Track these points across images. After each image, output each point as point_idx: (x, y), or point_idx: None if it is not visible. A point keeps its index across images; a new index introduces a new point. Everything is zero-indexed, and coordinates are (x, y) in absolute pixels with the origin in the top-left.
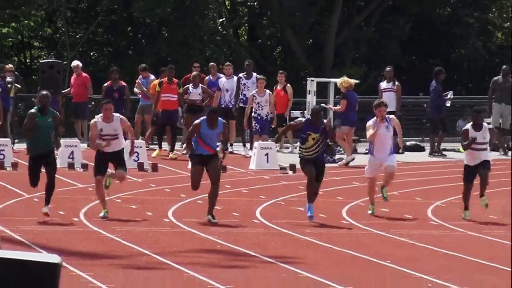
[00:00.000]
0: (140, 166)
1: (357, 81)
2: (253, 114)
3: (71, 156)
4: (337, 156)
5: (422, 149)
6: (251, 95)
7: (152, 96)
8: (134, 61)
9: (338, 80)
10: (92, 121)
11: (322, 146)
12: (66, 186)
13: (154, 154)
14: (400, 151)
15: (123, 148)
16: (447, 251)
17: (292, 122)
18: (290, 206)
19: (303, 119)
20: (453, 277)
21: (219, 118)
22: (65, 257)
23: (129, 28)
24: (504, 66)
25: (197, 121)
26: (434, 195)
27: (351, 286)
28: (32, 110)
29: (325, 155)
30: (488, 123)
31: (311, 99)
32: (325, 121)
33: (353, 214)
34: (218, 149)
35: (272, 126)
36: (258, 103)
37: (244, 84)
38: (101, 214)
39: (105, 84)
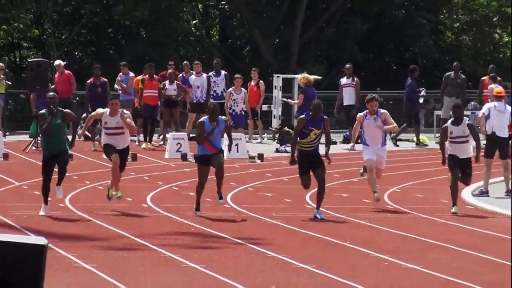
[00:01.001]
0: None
1: (319, 77)
2: (228, 110)
3: None
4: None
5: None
6: (228, 91)
7: (135, 91)
8: (114, 60)
9: (297, 76)
10: (100, 110)
11: (319, 139)
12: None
13: (144, 146)
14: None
15: (128, 147)
16: (403, 233)
17: (296, 125)
18: (258, 192)
19: (303, 116)
20: (407, 256)
21: (220, 116)
22: (52, 240)
23: (110, 29)
24: (455, 63)
25: (200, 120)
26: (390, 182)
27: (314, 265)
28: (41, 111)
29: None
30: (438, 115)
31: (277, 94)
32: (325, 116)
33: (315, 199)
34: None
35: (248, 121)
36: (235, 99)
37: (214, 81)
38: (118, 195)
39: (88, 81)
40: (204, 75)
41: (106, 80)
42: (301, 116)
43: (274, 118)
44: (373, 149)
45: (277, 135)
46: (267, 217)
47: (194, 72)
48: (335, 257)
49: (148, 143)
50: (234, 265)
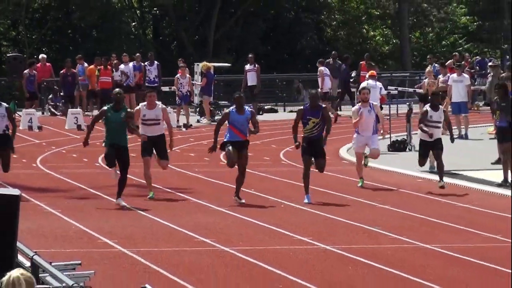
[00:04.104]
0: (79, 127)
1: (229, 65)
2: (176, 92)
3: (30, 121)
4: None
5: (276, 111)
6: (176, 77)
7: (88, 78)
8: (73, 54)
9: (200, 64)
10: (136, 108)
11: (320, 127)
12: (26, 142)
13: (101, 120)
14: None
15: (164, 135)
16: (292, 181)
17: (295, 117)
18: (184, 153)
19: (301, 107)
20: (292, 195)
21: (246, 107)
22: (26, 192)
23: (70, 31)
24: (333, 52)
25: (226, 111)
26: (285, 143)
27: (227, 208)
28: (105, 107)
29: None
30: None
31: (197, 78)
32: (323, 105)
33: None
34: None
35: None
36: (181, 83)
37: (148, 69)
38: (150, 195)
39: (61, 71)
40: (131, 64)
41: (75, 71)
42: (300, 108)
43: (196, 96)
44: (364, 138)
45: (198, 109)
46: (191, 171)
47: (134, 62)
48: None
49: None
50: (167, 209)
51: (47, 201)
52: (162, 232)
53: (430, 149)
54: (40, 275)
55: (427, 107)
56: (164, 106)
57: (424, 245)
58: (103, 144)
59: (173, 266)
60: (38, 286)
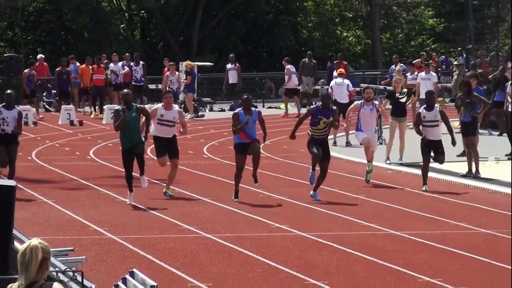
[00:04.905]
0: (71, 122)
1: (211, 64)
2: (167, 88)
3: (26, 117)
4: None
5: (255, 107)
6: (166, 75)
7: (80, 76)
8: (66, 55)
9: (184, 63)
10: (153, 107)
11: (330, 128)
12: (22, 137)
13: (92, 115)
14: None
15: (175, 136)
16: (208, 174)
17: (304, 114)
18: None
19: (312, 106)
20: (270, 186)
21: (253, 108)
22: (21, 183)
23: (62, 32)
24: (309, 52)
25: (235, 111)
26: (211, 137)
27: (210, 197)
28: (116, 108)
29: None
30: (299, 89)
31: (181, 76)
32: (334, 107)
33: (212, 151)
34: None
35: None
36: (171, 80)
37: (135, 69)
38: (169, 193)
39: (57, 70)
40: (120, 63)
41: (69, 69)
42: (311, 106)
43: (181, 93)
44: (367, 134)
45: (182, 105)
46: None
47: (119, 63)
48: (222, 191)
49: (99, 113)
50: (153, 199)
51: (42, 192)
52: (149, 220)
53: (432, 149)
54: None
55: (421, 108)
56: (180, 109)
57: (395, 232)
58: (121, 145)
59: (159, 252)
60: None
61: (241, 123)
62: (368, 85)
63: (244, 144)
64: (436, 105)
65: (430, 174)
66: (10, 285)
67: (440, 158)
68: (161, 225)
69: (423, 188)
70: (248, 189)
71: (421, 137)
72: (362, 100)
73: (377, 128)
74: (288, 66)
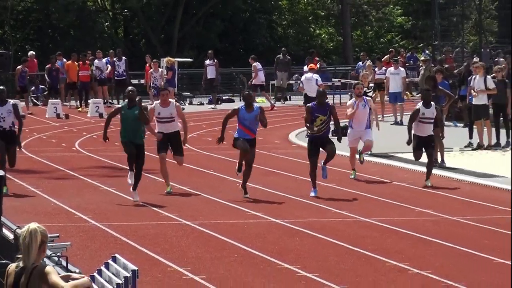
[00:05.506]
0: (58, 115)
1: (191, 60)
2: (151, 84)
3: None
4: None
5: (233, 101)
6: (149, 72)
7: (67, 72)
8: (53, 52)
9: (164, 59)
10: (150, 107)
11: (327, 124)
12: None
13: (80, 109)
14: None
15: (179, 131)
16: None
17: (306, 113)
18: (152, 138)
19: (309, 105)
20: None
21: (255, 104)
22: (10, 173)
23: (50, 30)
24: (283, 48)
25: (235, 107)
26: (190, 130)
27: (189, 187)
28: (119, 105)
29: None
30: (273, 84)
31: (163, 71)
32: (330, 103)
33: (203, 142)
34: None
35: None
36: (154, 77)
37: (117, 64)
38: (167, 190)
39: (47, 66)
40: (104, 59)
41: (59, 66)
42: (308, 105)
43: None
44: (358, 132)
45: None
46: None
47: (108, 58)
48: (201, 181)
49: (84, 107)
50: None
51: (29, 181)
52: (131, 208)
53: (423, 145)
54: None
55: (419, 105)
56: (177, 103)
57: (364, 219)
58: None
59: (141, 238)
60: (18, 255)
61: (241, 118)
62: (358, 81)
63: (248, 140)
64: (432, 102)
65: (396, 163)
66: (10, 265)
67: (432, 152)
68: (143, 213)
69: (427, 184)
70: (225, 178)
71: (408, 135)
72: (353, 99)
73: (374, 122)
74: (255, 64)
